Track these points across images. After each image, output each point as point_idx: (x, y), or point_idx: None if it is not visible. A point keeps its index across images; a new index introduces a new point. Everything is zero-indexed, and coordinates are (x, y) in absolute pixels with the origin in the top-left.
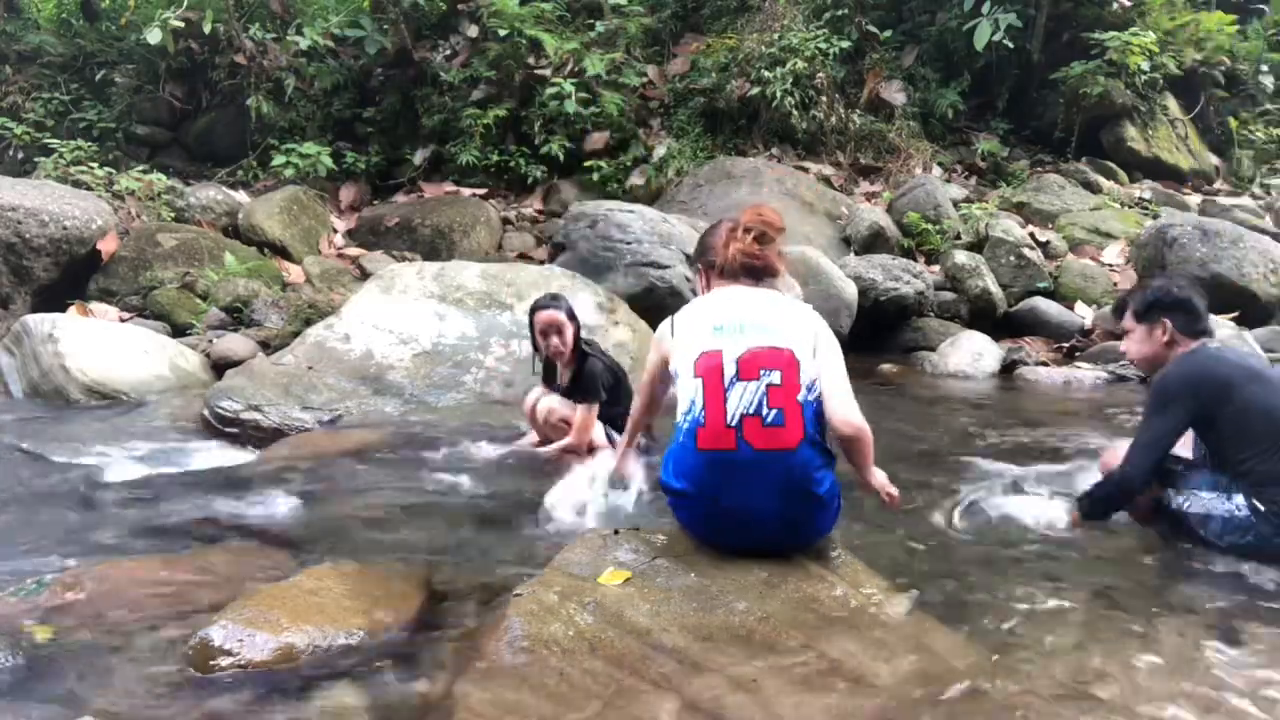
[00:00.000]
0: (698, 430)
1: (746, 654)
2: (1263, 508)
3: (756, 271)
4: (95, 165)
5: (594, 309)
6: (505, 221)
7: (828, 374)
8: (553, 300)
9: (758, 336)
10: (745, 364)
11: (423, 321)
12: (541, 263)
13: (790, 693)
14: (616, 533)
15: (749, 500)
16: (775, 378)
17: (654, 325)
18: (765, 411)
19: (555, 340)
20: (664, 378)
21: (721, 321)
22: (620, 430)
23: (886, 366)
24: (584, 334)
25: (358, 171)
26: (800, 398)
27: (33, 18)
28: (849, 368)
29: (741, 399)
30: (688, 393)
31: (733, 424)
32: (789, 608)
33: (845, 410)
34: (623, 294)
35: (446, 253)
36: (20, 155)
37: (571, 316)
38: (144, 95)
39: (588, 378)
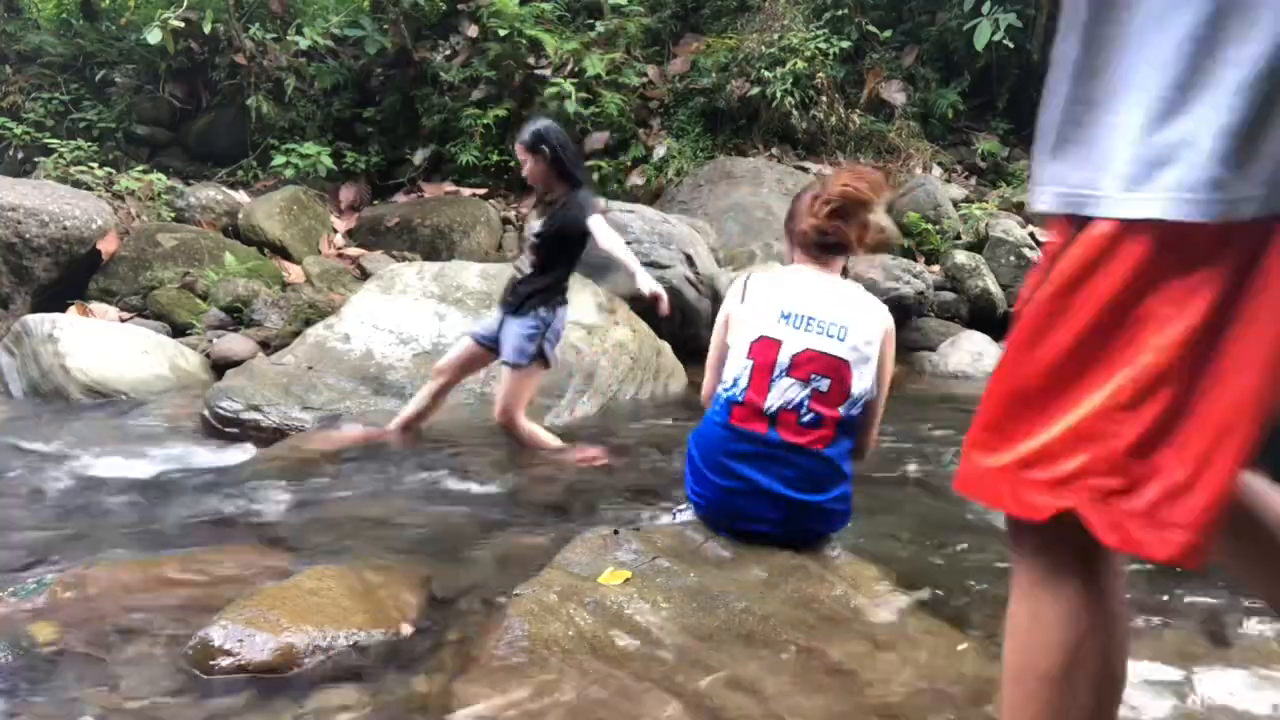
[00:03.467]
0: (733, 407)
1: (747, 654)
2: None
3: (829, 248)
4: (95, 165)
5: (594, 309)
6: (505, 221)
7: (874, 399)
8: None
9: (821, 339)
10: (799, 362)
11: (423, 321)
12: None
13: (791, 693)
14: (617, 533)
15: (760, 482)
16: (823, 385)
17: (655, 325)
18: (806, 412)
19: (525, 171)
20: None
21: (791, 309)
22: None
23: None
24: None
25: (358, 171)
26: (842, 410)
27: (33, 18)
28: None
29: (785, 393)
30: (734, 369)
31: (770, 412)
32: (789, 608)
33: (869, 438)
34: (623, 294)
35: (447, 253)
36: (20, 155)
37: (535, 147)
38: (144, 95)
39: (573, 205)
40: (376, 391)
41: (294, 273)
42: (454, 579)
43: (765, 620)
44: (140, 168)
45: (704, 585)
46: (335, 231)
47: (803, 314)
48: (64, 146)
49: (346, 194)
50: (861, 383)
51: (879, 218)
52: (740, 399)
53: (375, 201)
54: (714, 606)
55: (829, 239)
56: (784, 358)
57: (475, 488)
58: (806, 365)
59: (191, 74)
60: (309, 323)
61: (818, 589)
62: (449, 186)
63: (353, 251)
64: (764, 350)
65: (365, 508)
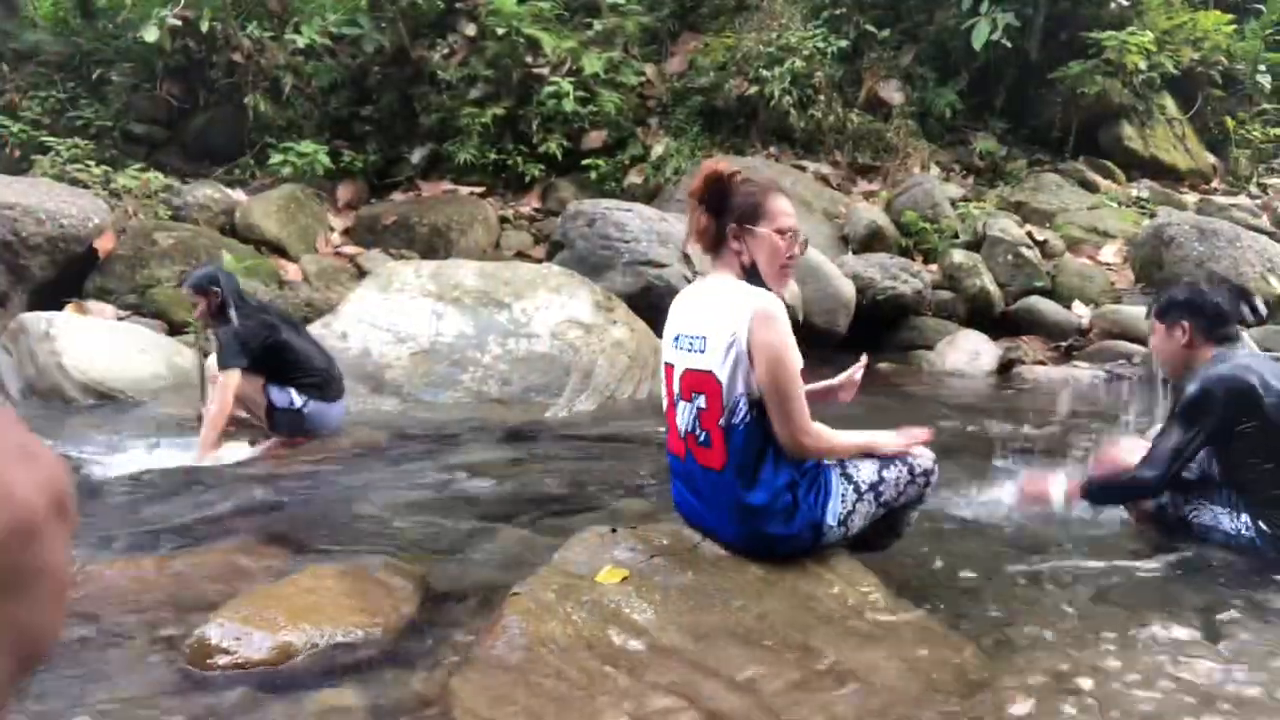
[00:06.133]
0: (669, 432)
1: (744, 653)
2: (1269, 530)
3: (708, 246)
4: (92, 163)
5: (592, 307)
6: (503, 220)
7: (766, 391)
8: (192, 276)
9: (691, 355)
10: (684, 384)
11: (420, 320)
12: (539, 261)
13: (788, 692)
14: (614, 531)
15: (699, 505)
16: (702, 401)
17: (652, 324)
18: (699, 432)
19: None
20: None
21: (677, 329)
22: (306, 387)
23: (884, 365)
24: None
25: (355, 170)
26: (722, 423)
27: (29, 15)
28: (845, 367)
29: (684, 416)
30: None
31: (682, 436)
32: (787, 606)
33: (784, 431)
34: (621, 293)
35: (444, 251)
36: (17, 153)
37: (200, 288)
38: (141, 94)
39: (218, 344)
40: (374, 390)
41: (291, 271)
42: (452, 577)
43: (763, 619)
44: (137, 166)
45: (701, 584)
46: (333, 230)
47: (681, 333)
48: (61, 144)
49: (344, 192)
50: (733, 388)
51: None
52: (669, 425)
53: (373, 200)
54: (711, 605)
55: (699, 238)
56: (676, 383)
57: (473, 485)
58: (687, 385)
59: (189, 72)
60: (306, 321)
61: (815, 588)
62: (447, 185)
63: (350, 250)
64: (667, 378)
65: (363, 506)
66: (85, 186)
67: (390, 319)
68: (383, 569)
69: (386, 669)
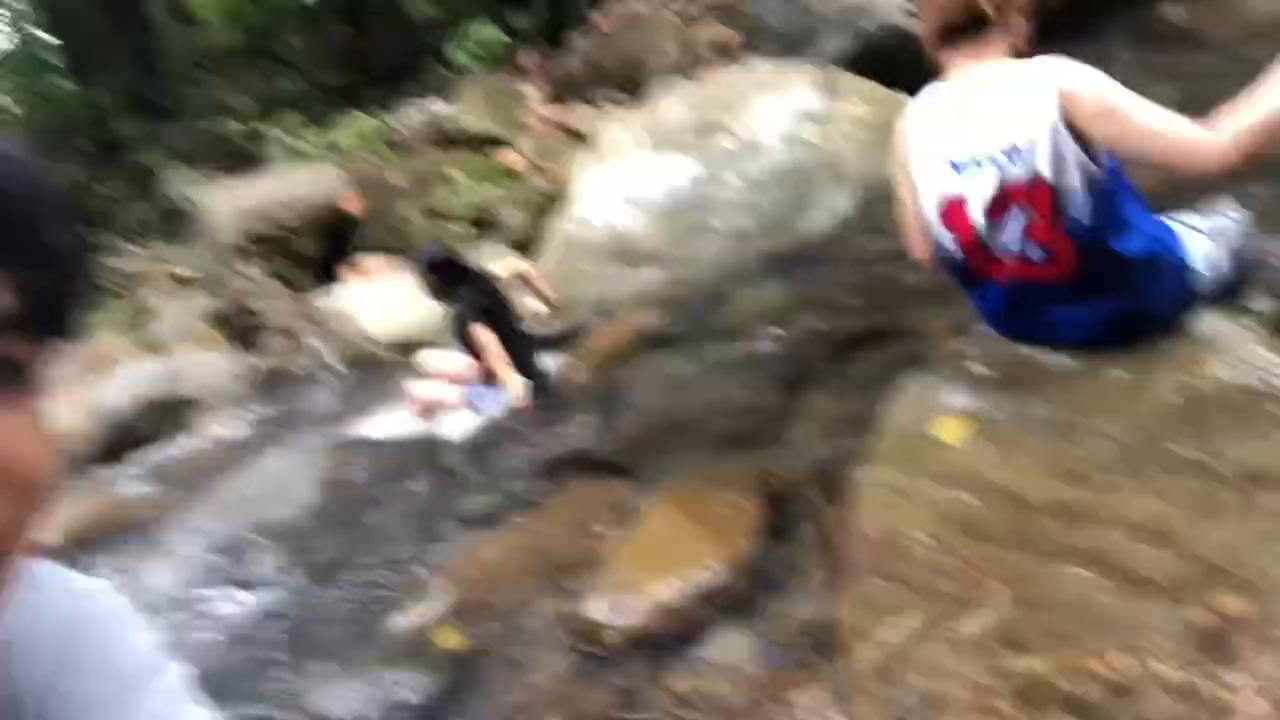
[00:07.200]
0: (968, 258)
1: (1135, 484)
2: None
3: (966, 27)
4: (308, 132)
5: (815, 92)
6: (689, 21)
7: (1128, 142)
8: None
9: (1006, 170)
10: (995, 207)
11: (648, 178)
12: (743, 50)
13: (1201, 519)
14: (938, 378)
15: (1036, 318)
16: (1031, 215)
17: (888, 83)
18: (1030, 250)
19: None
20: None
21: (961, 154)
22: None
23: (1167, 10)
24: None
25: (531, 32)
26: (1068, 229)
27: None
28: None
29: (1006, 236)
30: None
31: (1004, 261)
32: (1166, 412)
33: (1189, 159)
34: (840, 61)
35: (643, 82)
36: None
37: (432, 267)
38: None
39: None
40: (631, 265)
41: (513, 159)
42: (786, 470)
43: (1141, 433)
44: (346, 119)
45: (1058, 414)
46: (531, 100)
47: (971, 157)
48: (278, 128)
49: (527, 59)
50: (1068, 184)
51: None
52: (963, 263)
53: (556, 53)
54: (1079, 434)
55: (955, 17)
56: (975, 212)
57: (762, 347)
58: (1000, 206)
59: (349, 10)
60: (542, 211)
61: (1194, 378)
62: (617, 8)
63: (554, 115)
64: (951, 215)
65: (663, 404)
66: (312, 157)
67: (619, 188)
68: (719, 481)
69: (762, 600)
